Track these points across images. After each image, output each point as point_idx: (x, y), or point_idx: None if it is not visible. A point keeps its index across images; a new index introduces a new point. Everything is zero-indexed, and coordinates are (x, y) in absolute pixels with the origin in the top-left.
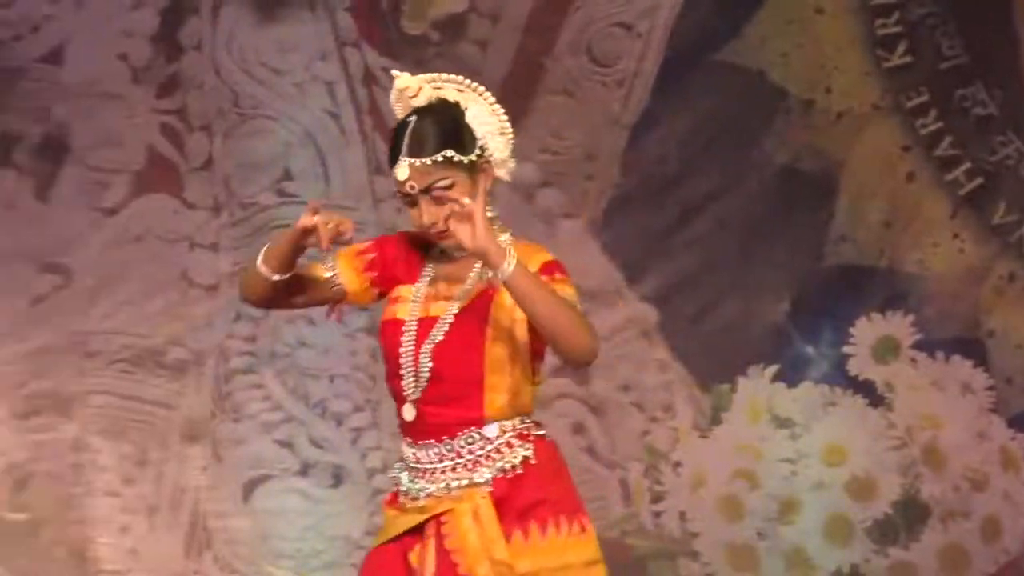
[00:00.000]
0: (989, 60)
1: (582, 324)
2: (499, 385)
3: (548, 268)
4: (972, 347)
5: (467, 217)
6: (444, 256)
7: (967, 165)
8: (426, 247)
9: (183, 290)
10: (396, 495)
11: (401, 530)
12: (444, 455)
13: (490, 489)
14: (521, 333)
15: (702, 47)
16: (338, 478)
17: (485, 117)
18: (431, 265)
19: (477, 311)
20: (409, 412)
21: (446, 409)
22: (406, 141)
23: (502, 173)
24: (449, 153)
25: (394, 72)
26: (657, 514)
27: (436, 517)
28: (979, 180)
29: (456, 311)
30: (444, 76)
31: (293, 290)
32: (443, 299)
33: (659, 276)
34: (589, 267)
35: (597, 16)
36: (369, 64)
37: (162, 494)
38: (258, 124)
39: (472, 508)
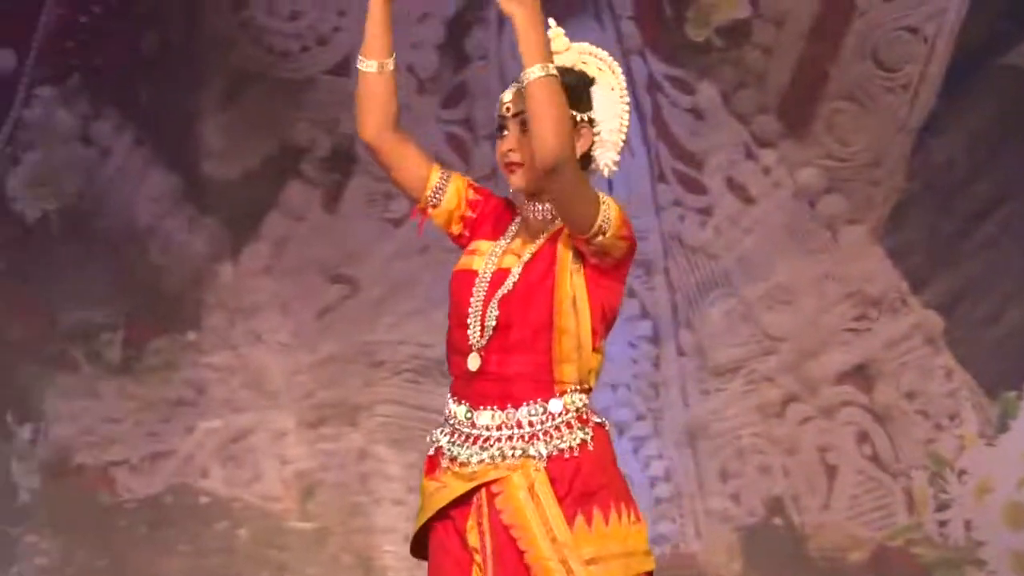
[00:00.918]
0: None
1: (560, 128)
2: (567, 330)
3: None
4: None
5: None
6: (525, 222)
7: None
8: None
9: None
10: (435, 463)
11: (447, 500)
12: (504, 423)
13: (544, 464)
14: (580, 286)
15: (988, 50)
16: None
17: (610, 98)
18: (514, 226)
19: (544, 260)
20: (474, 361)
21: (512, 358)
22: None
23: (602, 160)
24: None
25: (550, 21)
26: (942, 523)
27: (487, 486)
28: None
29: (526, 260)
30: (592, 49)
31: (401, 142)
32: (516, 254)
33: (945, 282)
34: (873, 273)
35: (883, 20)
36: (653, 72)
37: None
38: None
39: (527, 482)
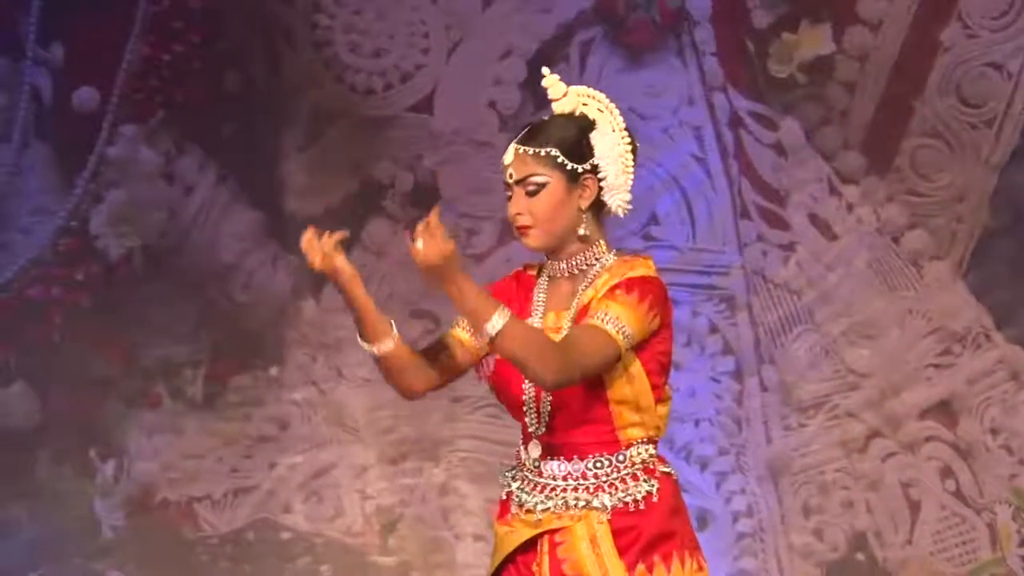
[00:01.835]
0: None
1: (539, 362)
2: (625, 400)
3: (619, 284)
4: None
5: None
6: (551, 280)
7: None
8: (536, 273)
9: None
10: (506, 507)
11: (514, 546)
12: (570, 473)
13: (608, 516)
14: (628, 353)
15: None
16: (703, 521)
17: (610, 141)
18: (541, 295)
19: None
20: (535, 449)
21: (576, 431)
22: (526, 132)
23: (614, 204)
24: (554, 152)
25: (544, 70)
26: None
27: (550, 534)
28: None
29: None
30: (590, 91)
31: (444, 368)
32: (554, 330)
33: None
34: (957, 309)
35: (967, 57)
36: (736, 108)
37: None
38: None
39: (589, 533)
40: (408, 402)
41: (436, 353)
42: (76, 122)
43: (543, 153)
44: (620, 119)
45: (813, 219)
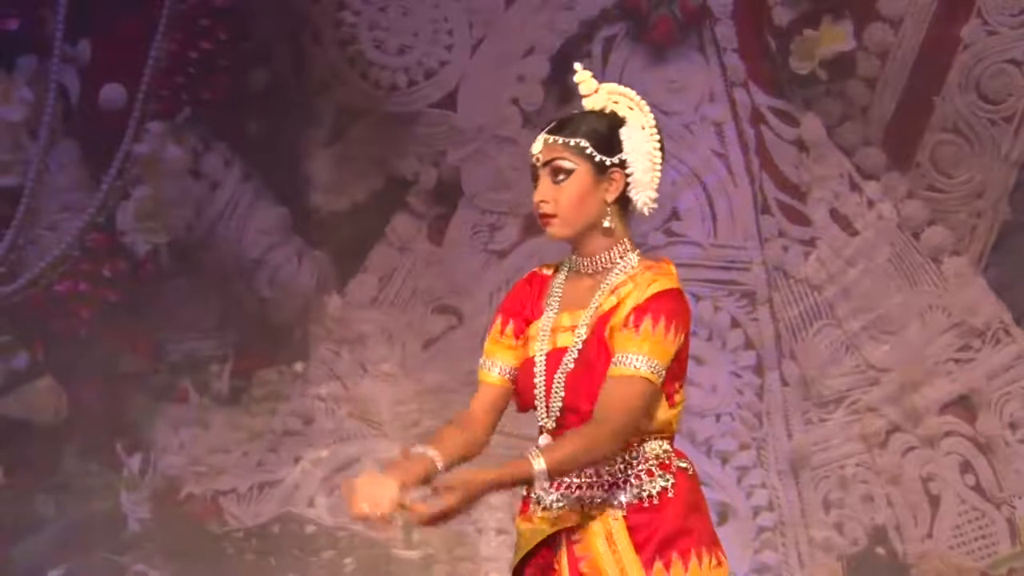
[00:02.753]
0: None
1: (592, 447)
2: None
3: (643, 309)
4: None
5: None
6: (571, 276)
7: None
8: (554, 270)
9: None
10: (527, 504)
11: (535, 542)
12: (584, 471)
13: (623, 513)
14: None
15: None
16: (723, 516)
17: (640, 137)
18: (557, 291)
19: (599, 335)
20: (544, 441)
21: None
22: (556, 123)
23: (640, 200)
24: (583, 143)
25: (576, 65)
26: None
27: (567, 532)
28: None
29: (584, 337)
30: (622, 89)
31: (492, 419)
32: (569, 329)
33: None
34: (976, 304)
35: (987, 53)
36: (757, 104)
37: None
38: None
39: (605, 530)
40: (432, 396)
41: (482, 410)
42: (103, 119)
43: (572, 143)
44: (651, 117)
45: (834, 215)
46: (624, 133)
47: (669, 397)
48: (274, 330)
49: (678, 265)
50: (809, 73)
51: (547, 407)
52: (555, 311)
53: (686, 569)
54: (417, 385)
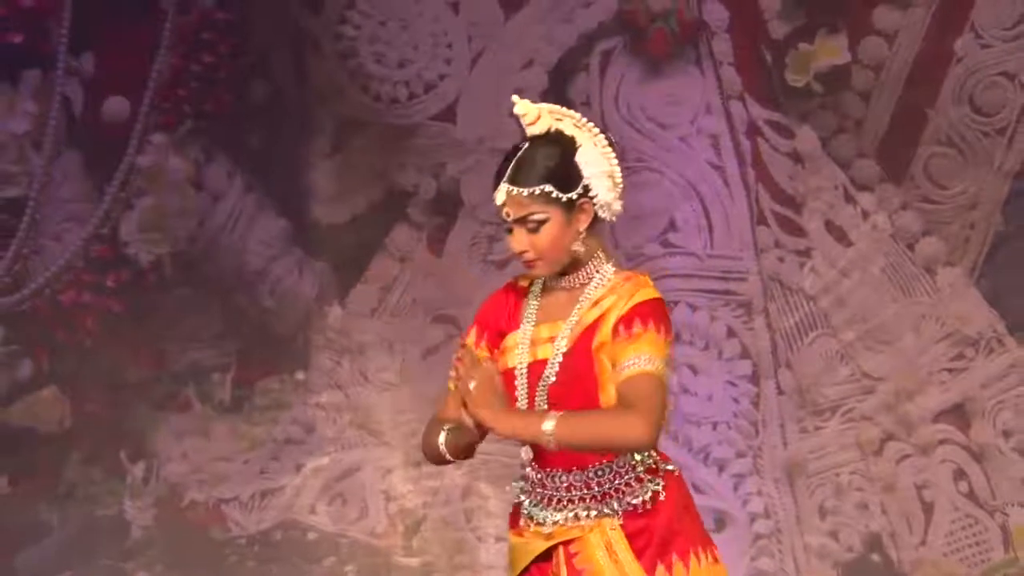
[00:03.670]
0: None
1: (622, 429)
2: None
3: (631, 317)
4: None
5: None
6: (547, 289)
7: None
8: (529, 283)
9: None
10: (518, 516)
11: (530, 558)
12: (573, 485)
13: (620, 521)
14: None
15: None
16: (720, 523)
17: (595, 157)
18: (534, 303)
19: (583, 346)
20: (527, 452)
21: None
22: (511, 166)
23: (605, 215)
24: (548, 188)
25: (514, 98)
26: None
27: (564, 545)
28: None
29: (564, 350)
30: (564, 109)
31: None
32: (548, 341)
33: None
34: (970, 314)
35: (980, 66)
36: (753, 117)
37: None
38: (644, 176)
39: (604, 541)
40: (432, 405)
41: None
42: (106, 131)
43: (537, 192)
44: (596, 129)
45: (829, 226)
46: (580, 159)
47: None
48: (276, 340)
49: (674, 276)
50: (804, 86)
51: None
52: (533, 323)
53: (687, 569)
54: (417, 394)
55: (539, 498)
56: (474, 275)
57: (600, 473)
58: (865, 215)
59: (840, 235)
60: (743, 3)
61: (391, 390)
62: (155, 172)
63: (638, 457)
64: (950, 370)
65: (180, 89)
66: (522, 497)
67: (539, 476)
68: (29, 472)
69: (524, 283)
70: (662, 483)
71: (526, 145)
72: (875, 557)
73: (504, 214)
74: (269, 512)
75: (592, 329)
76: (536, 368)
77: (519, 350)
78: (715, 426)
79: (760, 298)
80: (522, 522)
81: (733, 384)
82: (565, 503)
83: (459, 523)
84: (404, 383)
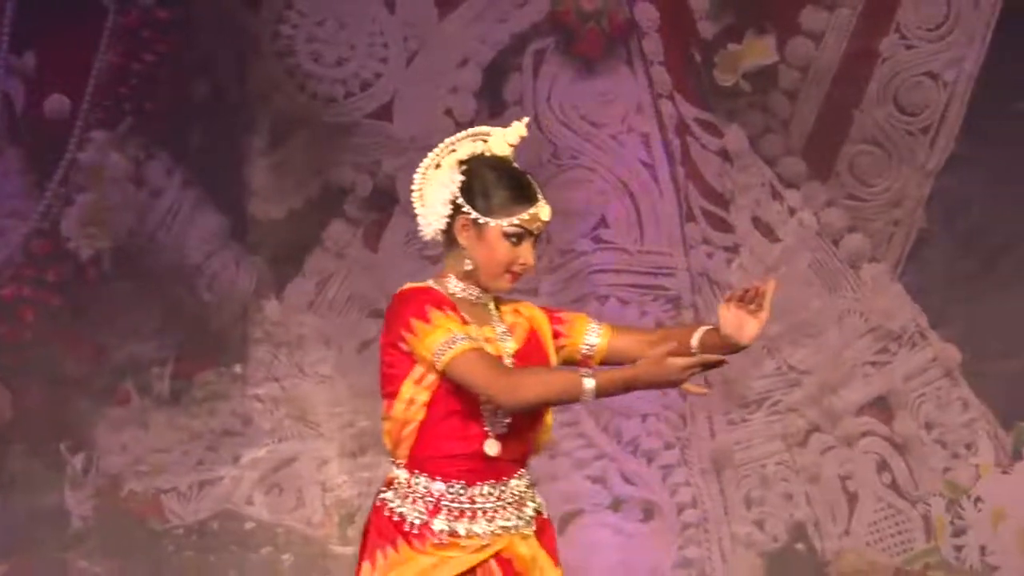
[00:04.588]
0: None
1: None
2: (547, 423)
3: (552, 310)
4: None
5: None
6: (460, 300)
7: None
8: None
9: None
10: (419, 536)
11: (456, 572)
12: (500, 495)
13: (533, 528)
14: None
15: (1006, 96)
16: (648, 513)
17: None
18: (463, 312)
19: (535, 348)
20: (493, 447)
21: (516, 444)
22: (535, 187)
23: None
24: None
25: (525, 120)
26: (958, 548)
27: (495, 554)
28: None
29: (512, 351)
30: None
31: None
32: (493, 341)
33: (962, 318)
34: (894, 309)
35: (904, 67)
36: (683, 115)
37: None
38: (576, 174)
39: (531, 551)
40: (367, 398)
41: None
42: (47, 128)
43: None
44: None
45: (756, 222)
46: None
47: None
48: (214, 333)
49: (606, 271)
50: (733, 85)
51: (496, 412)
52: (475, 325)
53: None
54: (352, 387)
55: (458, 513)
56: (409, 270)
57: (518, 479)
58: (792, 212)
59: (767, 231)
60: (673, 4)
61: (327, 383)
62: (95, 168)
63: (528, 472)
64: (874, 363)
65: (120, 87)
66: (422, 517)
67: (464, 492)
68: None
69: (438, 288)
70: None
71: (517, 165)
72: (800, 546)
73: (536, 228)
74: (207, 502)
75: (534, 331)
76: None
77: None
78: (644, 418)
79: (688, 293)
80: (434, 540)
81: None
82: (492, 514)
83: None
84: (340, 376)
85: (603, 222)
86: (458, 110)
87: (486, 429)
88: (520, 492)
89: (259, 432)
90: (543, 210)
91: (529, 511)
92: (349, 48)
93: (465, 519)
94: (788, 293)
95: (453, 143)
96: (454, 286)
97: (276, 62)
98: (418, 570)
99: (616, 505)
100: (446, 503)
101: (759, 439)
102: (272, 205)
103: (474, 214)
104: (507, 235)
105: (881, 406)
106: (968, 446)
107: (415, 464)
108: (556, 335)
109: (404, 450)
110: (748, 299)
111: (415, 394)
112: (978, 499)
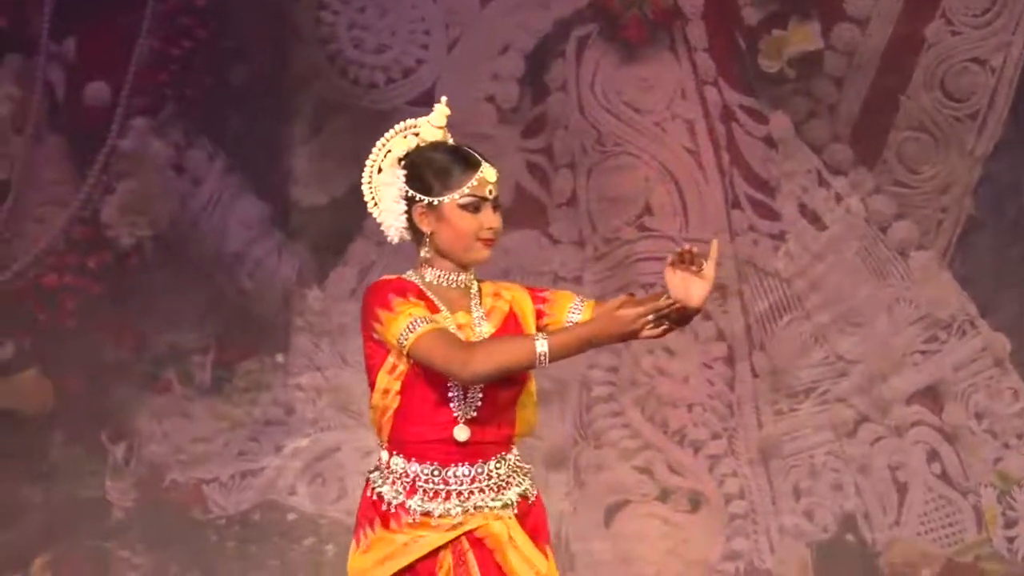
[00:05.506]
0: None
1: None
2: (528, 401)
3: (536, 290)
4: None
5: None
6: (436, 287)
7: None
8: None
9: None
10: (395, 516)
11: (425, 551)
12: (476, 476)
13: (515, 512)
14: None
15: None
16: (695, 503)
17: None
18: (434, 298)
19: (513, 331)
20: (462, 432)
21: (490, 428)
22: (475, 154)
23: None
24: None
25: (444, 99)
26: (1010, 539)
27: (467, 534)
28: None
29: (488, 336)
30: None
31: None
32: (467, 327)
33: (1012, 305)
34: (943, 297)
35: (951, 52)
36: (727, 102)
37: None
38: (620, 161)
39: (506, 529)
40: None
41: None
42: (88, 115)
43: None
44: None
45: (802, 209)
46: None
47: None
48: (255, 322)
49: (650, 259)
50: (777, 72)
51: (465, 398)
52: (448, 311)
53: (553, 559)
54: None
55: (432, 494)
56: None
57: (498, 464)
58: (838, 199)
59: (814, 218)
60: None
61: None
62: (136, 155)
63: (515, 454)
64: (923, 352)
65: (161, 73)
66: (399, 497)
67: (438, 473)
68: (11, 453)
69: (412, 279)
70: (531, 478)
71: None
72: (849, 537)
73: (488, 191)
74: (249, 493)
75: (513, 315)
76: None
77: (452, 329)
78: (690, 408)
79: (735, 281)
80: (408, 520)
81: (708, 366)
82: (466, 495)
83: None
84: None
85: (647, 209)
86: (500, 97)
87: (455, 415)
88: (500, 474)
89: (301, 422)
90: (488, 172)
91: (511, 494)
92: (390, 34)
93: (439, 499)
94: (835, 281)
95: (386, 143)
96: (431, 275)
97: (317, 48)
98: (391, 549)
99: (663, 496)
100: (421, 484)
101: (807, 429)
102: (314, 192)
103: (426, 199)
104: (463, 207)
105: (931, 395)
106: (1019, 436)
107: (394, 447)
108: (539, 315)
109: (385, 434)
110: (687, 261)
111: (388, 384)
112: None
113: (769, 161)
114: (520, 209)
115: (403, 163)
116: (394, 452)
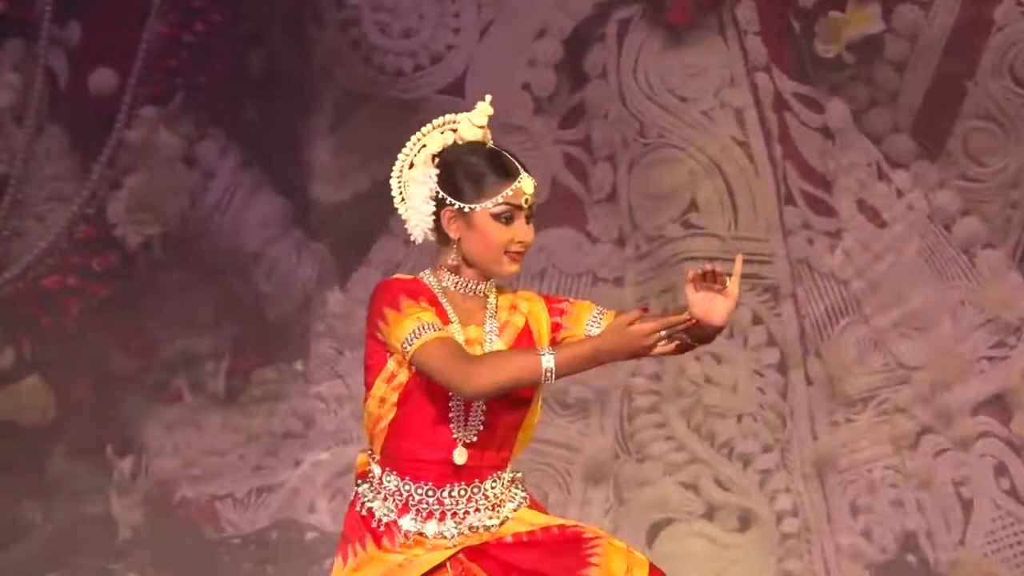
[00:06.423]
0: None
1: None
2: (530, 424)
3: (554, 301)
4: None
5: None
6: (453, 295)
7: None
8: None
9: None
10: (388, 535)
11: (426, 568)
12: (472, 496)
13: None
14: None
15: None
16: (745, 521)
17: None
18: (449, 306)
19: (524, 345)
20: (461, 456)
21: (489, 451)
22: (514, 162)
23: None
24: None
25: (488, 98)
26: None
27: (464, 551)
28: None
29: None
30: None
31: None
32: (477, 342)
33: None
34: (1011, 299)
35: (1021, 36)
36: (780, 89)
37: None
38: (664, 153)
39: (512, 531)
40: None
41: None
42: (93, 105)
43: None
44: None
45: (861, 205)
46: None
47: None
48: (273, 327)
49: (697, 258)
50: (835, 57)
51: (466, 422)
52: (459, 324)
53: None
54: None
55: (426, 514)
56: None
57: (494, 484)
58: (900, 194)
59: (873, 215)
60: None
61: None
62: (144, 148)
63: (511, 470)
64: (990, 358)
65: (171, 60)
66: (391, 516)
67: (432, 494)
68: (11, 466)
69: (427, 281)
70: (527, 494)
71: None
72: (910, 558)
73: (524, 201)
74: (265, 510)
75: (527, 331)
76: None
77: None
78: (740, 419)
79: (788, 283)
80: (402, 540)
81: (759, 374)
82: (462, 516)
83: None
84: None
85: (693, 206)
86: (536, 84)
87: (455, 437)
88: (495, 494)
89: (322, 434)
90: (526, 183)
91: (506, 511)
92: (418, 18)
93: (434, 520)
94: (896, 283)
95: (422, 138)
96: (449, 280)
97: (339, 33)
98: (386, 569)
99: (710, 513)
100: (414, 504)
101: (865, 441)
102: (335, 188)
103: (458, 204)
104: (495, 216)
105: (998, 405)
106: None
107: (387, 462)
108: (556, 327)
109: (377, 446)
110: (710, 280)
111: (385, 393)
112: None
113: (825, 153)
114: (556, 205)
115: (437, 161)
116: (387, 468)
